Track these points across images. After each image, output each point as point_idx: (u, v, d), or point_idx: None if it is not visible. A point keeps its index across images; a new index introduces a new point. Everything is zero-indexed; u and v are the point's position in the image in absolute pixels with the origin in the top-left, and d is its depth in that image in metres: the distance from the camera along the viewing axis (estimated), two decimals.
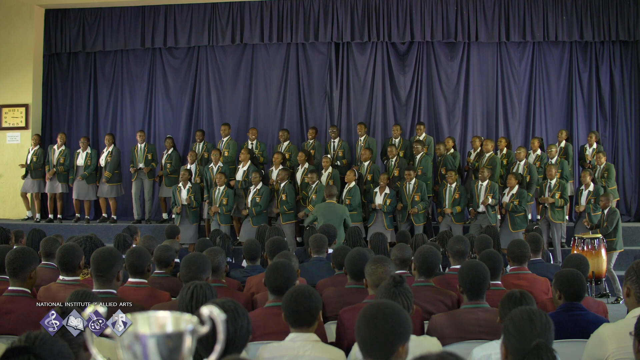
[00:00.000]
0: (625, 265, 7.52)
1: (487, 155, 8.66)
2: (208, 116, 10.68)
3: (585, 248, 7.02)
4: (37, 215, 9.80)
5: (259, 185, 8.29)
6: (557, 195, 7.94)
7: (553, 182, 8.04)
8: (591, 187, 7.96)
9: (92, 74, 10.96)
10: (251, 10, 10.35)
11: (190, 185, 8.51)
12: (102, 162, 9.50)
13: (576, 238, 7.25)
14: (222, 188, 8.33)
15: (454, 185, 8.22)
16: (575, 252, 6.88)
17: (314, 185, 8.18)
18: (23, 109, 10.44)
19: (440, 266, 5.21)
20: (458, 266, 3.93)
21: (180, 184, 8.54)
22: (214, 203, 8.35)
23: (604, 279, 7.16)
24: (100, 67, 10.96)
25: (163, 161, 9.52)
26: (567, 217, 8.47)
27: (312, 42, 10.37)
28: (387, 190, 8.17)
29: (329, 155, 9.01)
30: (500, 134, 9.99)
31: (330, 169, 8.65)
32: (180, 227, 7.53)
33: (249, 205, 8.17)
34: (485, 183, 8.10)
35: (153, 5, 10.53)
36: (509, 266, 4.30)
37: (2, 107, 10.47)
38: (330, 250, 4.99)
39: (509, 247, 4.32)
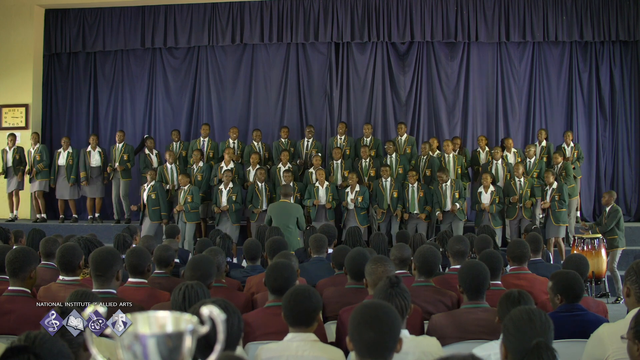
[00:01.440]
0: (626, 265, 7.55)
1: (497, 162, 8.67)
2: (208, 116, 10.68)
3: (585, 248, 7.02)
4: (44, 215, 9.78)
5: (231, 185, 8.44)
6: (557, 198, 7.97)
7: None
8: (554, 185, 8.00)
9: (92, 74, 10.96)
10: (251, 10, 10.35)
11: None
12: (94, 162, 9.54)
13: (576, 238, 7.25)
14: (185, 187, 8.39)
15: (415, 185, 8.25)
16: (575, 252, 6.89)
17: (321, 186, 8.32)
18: (23, 109, 10.44)
19: (440, 266, 5.21)
20: (458, 266, 3.93)
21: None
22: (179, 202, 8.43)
23: (604, 279, 7.16)
24: (100, 67, 10.96)
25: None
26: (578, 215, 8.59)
27: (312, 42, 10.38)
28: (357, 188, 8.24)
29: (319, 154, 9.04)
30: (500, 134, 10.01)
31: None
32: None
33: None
34: (448, 183, 8.18)
35: (153, 5, 10.54)
36: (509, 266, 4.29)
37: (2, 107, 10.47)
38: (330, 250, 4.99)
39: (509, 247, 4.33)
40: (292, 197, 7.58)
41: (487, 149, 9.06)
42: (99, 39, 10.70)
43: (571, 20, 9.86)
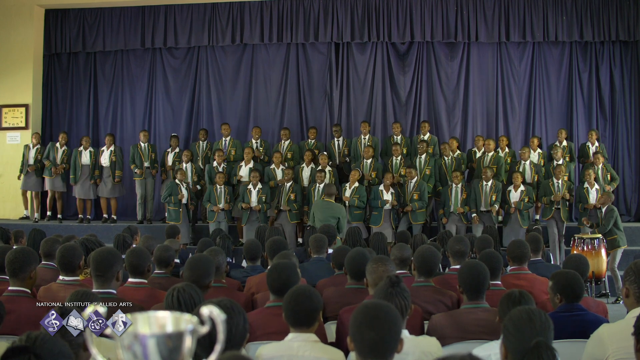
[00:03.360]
0: (625, 266, 7.53)
1: (490, 155, 8.68)
2: (208, 116, 10.68)
3: (585, 248, 7.02)
4: (37, 215, 9.78)
5: (260, 185, 8.39)
6: (567, 195, 7.96)
7: (560, 181, 8.05)
8: (596, 186, 7.98)
9: (92, 74, 10.96)
10: (251, 10, 10.35)
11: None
12: (104, 162, 9.49)
13: (576, 238, 7.25)
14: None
15: (459, 185, 8.24)
16: (575, 252, 6.88)
17: (321, 186, 8.16)
18: (23, 109, 10.44)
19: (440, 266, 5.21)
20: (458, 266, 3.93)
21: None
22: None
23: (604, 279, 7.16)
24: (100, 67, 10.96)
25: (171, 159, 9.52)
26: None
27: (312, 42, 10.38)
28: (392, 190, 8.21)
29: (325, 153, 9.00)
30: (501, 134, 10.00)
31: (328, 167, 8.66)
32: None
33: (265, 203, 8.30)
34: (489, 183, 8.12)
35: (153, 5, 10.54)
36: (509, 266, 4.29)
37: (2, 107, 10.47)
38: (330, 250, 4.99)
39: (509, 247, 4.32)
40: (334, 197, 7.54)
41: (483, 148, 9.03)
42: (99, 39, 10.69)
43: (571, 20, 9.85)
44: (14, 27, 10.44)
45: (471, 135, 10.19)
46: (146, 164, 9.45)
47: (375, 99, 10.36)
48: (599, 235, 7.15)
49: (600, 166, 8.43)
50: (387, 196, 8.16)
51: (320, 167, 8.58)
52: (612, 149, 10.11)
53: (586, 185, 8.08)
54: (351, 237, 5.59)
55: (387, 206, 8.14)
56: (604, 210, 7.48)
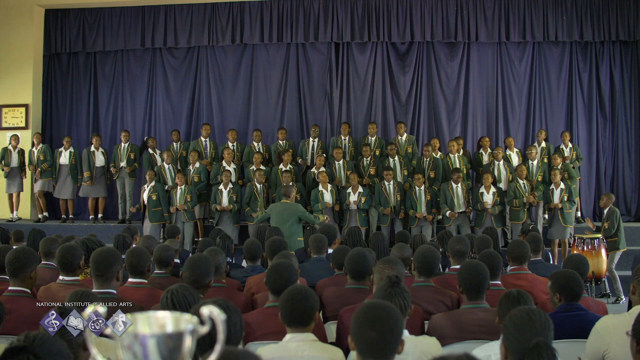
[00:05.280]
0: (625, 265, 7.56)
1: (500, 164, 8.68)
2: (208, 116, 10.67)
3: (585, 248, 7.02)
4: (40, 216, 9.78)
5: (231, 185, 8.48)
6: (566, 199, 7.97)
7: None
8: (562, 185, 8.04)
9: (92, 74, 10.96)
10: (251, 10, 10.35)
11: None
12: (99, 162, 9.58)
13: (576, 238, 7.25)
14: (183, 187, 8.45)
15: (422, 187, 8.23)
16: (575, 252, 6.89)
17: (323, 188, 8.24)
18: (23, 109, 10.43)
19: (440, 266, 5.21)
20: (458, 266, 3.93)
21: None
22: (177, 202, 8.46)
23: (604, 279, 7.16)
24: (100, 67, 10.96)
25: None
26: (578, 214, 8.73)
27: (312, 42, 10.37)
28: (360, 189, 8.24)
29: (324, 155, 9.01)
30: (501, 134, 10.01)
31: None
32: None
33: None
34: (459, 184, 8.18)
35: (153, 5, 10.53)
36: (509, 266, 4.30)
37: (2, 107, 10.46)
38: (330, 250, 4.98)
39: (509, 247, 4.33)
40: (292, 198, 7.53)
41: (489, 150, 9.05)
42: (99, 39, 10.69)
43: (571, 20, 9.85)
44: (14, 27, 10.43)
45: (471, 135, 10.19)
46: (122, 164, 9.46)
47: (375, 99, 10.36)
48: (599, 235, 7.15)
49: (559, 166, 8.44)
50: (354, 197, 8.23)
51: (288, 168, 8.63)
52: (612, 149, 10.12)
53: (552, 186, 8.11)
54: (351, 237, 5.59)
55: (352, 206, 8.22)
56: (605, 212, 7.48)
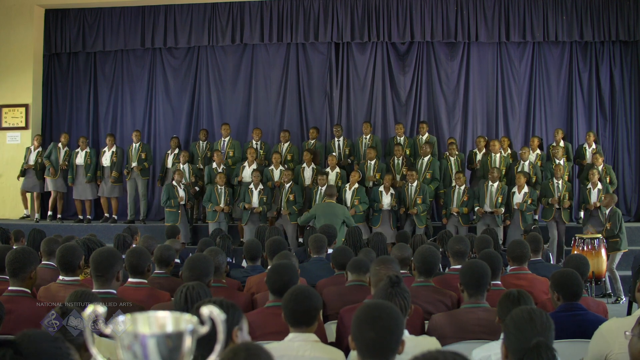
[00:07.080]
0: (625, 265, 7.56)
1: (497, 156, 8.67)
2: (208, 116, 10.68)
3: (585, 248, 7.02)
4: (37, 215, 9.78)
5: (261, 186, 8.40)
6: (567, 196, 7.95)
7: (560, 182, 8.04)
8: (599, 186, 7.97)
9: (92, 74, 10.96)
10: (251, 10, 10.35)
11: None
12: (105, 162, 9.50)
13: (576, 238, 7.25)
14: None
15: (462, 187, 8.24)
16: (575, 252, 6.88)
17: (323, 188, 8.00)
18: (23, 109, 10.44)
19: (440, 266, 5.21)
20: (458, 266, 3.93)
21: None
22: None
23: (604, 279, 7.16)
24: (100, 67, 10.96)
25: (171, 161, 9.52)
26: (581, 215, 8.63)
27: (312, 42, 10.37)
28: (392, 191, 8.20)
29: (334, 154, 9.00)
30: (501, 134, 10.00)
31: (337, 169, 8.70)
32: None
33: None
34: (496, 184, 8.11)
35: (153, 5, 10.53)
36: (509, 266, 4.30)
37: (2, 107, 10.46)
38: (330, 250, 4.98)
39: (509, 247, 4.32)
40: (336, 197, 7.52)
41: (484, 149, 9.03)
42: (99, 39, 10.69)
43: (571, 20, 9.85)
44: (14, 27, 10.43)
45: (471, 135, 10.19)
46: (133, 164, 9.44)
47: (375, 99, 10.36)
48: (599, 235, 7.15)
49: (600, 167, 8.42)
50: (387, 198, 8.15)
51: (327, 168, 8.62)
52: (612, 149, 10.11)
53: (589, 185, 8.08)
54: (351, 237, 5.59)
55: (386, 207, 8.13)
56: (607, 212, 7.47)
